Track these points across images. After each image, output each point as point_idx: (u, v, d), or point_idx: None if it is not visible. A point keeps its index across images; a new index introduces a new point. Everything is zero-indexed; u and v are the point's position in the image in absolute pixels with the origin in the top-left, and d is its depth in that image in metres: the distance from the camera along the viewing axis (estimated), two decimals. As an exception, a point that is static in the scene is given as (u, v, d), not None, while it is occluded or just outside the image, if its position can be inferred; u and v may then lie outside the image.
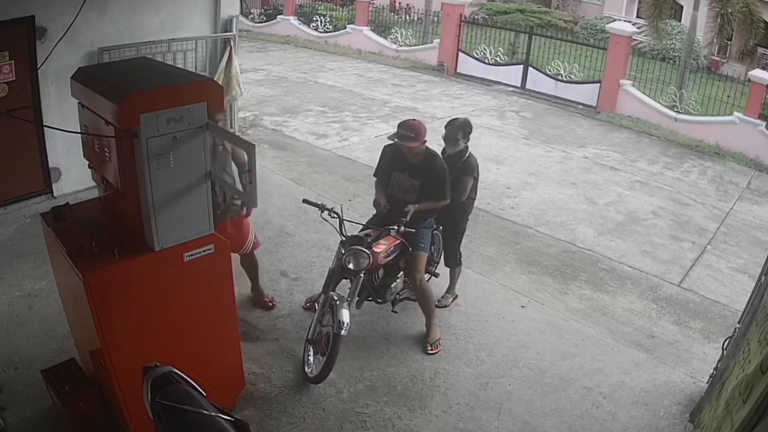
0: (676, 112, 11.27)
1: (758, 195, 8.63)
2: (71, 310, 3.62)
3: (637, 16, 21.19)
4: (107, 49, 6.10)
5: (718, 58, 18.70)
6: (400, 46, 15.31)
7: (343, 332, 3.88)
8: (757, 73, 10.95)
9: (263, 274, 4.98)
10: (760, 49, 18.15)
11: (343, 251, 4.17)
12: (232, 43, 7.11)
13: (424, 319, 4.61)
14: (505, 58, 13.86)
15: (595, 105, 12.07)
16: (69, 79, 3.14)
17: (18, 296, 4.73)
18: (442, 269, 5.11)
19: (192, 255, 3.14)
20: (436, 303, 4.82)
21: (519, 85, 13.12)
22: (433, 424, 3.90)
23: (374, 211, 4.67)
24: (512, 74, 13.24)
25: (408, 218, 4.26)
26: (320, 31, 16.58)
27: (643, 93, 11.86)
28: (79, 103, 3.16)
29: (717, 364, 4.04)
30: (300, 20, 17.11)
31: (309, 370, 4.10)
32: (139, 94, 2.78)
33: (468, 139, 4.68)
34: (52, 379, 3.54)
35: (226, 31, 7.20)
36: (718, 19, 14.02)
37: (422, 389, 4.18)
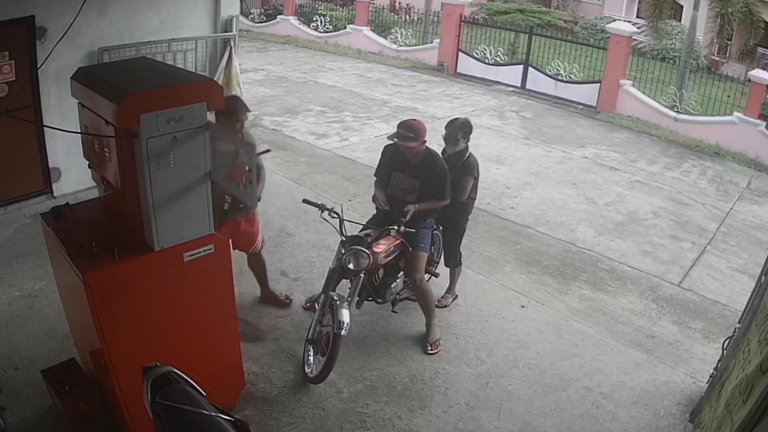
0: (676, 112, 11.27)
1: (758, 195, 8.63)
2: (71, 310, 3.62)
3: (637, 16, 21.20)
4: (107, 49, 6.10)
5: (718, 58, 18.70)
6: (400, 46, 15.31)
7: (343, 332, 3.88)
8: (757, 73, 10.96)
9: (264, 274, 4.99)
10: (760, 49, 18.14)
11: (343, 251, 4.17)
12: (232, 43, 7.11)
13: (424, 319, 4.61)
14: (505, 58, 13.86)
15: (595, 105, 12.07)
16: (69, 79, 3.14)
17: (18, 296, 4.73)
18: (442, 269, 5.11)
19: (192, 255, 3.14)
20: (436, 303, 4.82)
21: (519, 85, 13.12)
22: (433, 424, 3.90)
23: (374, 212, 4.67)
24: (512, 74, 13.24)
25: (408, 218, 4.26)
26: (320, 31, 16.59)
27: (643, 93, 11.86)
28: (79, 103, 3.16)
29: (717, 364, 4.03)
30: (300, 20, 17.11)
31: (309, 370, 4.10)
32: (139, 94, 2.78)
33: (468, 139, 4.68)
34: (52, 379, 3.54)
35: (226, 31, 7.20)
36: (718, 19, 14.02)
37: (422, 389, 4.18)
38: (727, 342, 3.95)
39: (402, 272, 4.61)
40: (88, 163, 3.34)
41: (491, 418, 3.98)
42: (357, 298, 4.31)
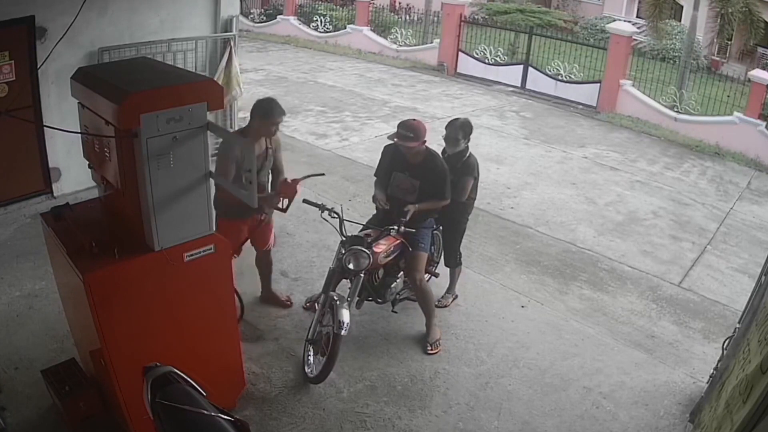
0: (676, 112, 11.27)
1: (758, 195, 8.63)
2: (71, 310, 3.62)
3: (637, 16, 21.20)
4: (107, 49, 6.10)
5: (718, 58, 18.70)
6: (400, 46, 15.31)
7: (343, 332, 3.87)
8: (757, 73, 10.96)
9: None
10: (760, 49, 18.14)
11: (343, 251, 4.17)
12: (232, 43, 7.11)
13: (424, 319, 4.61)
14: (505, 58, 13.86)
15: (595, 105, 12.07)
16: (69, 79, 3.14)
17: (18, 296, 4.73)
18: (442, 269, 5.11)
19: (192, 255, 3.14)
20: (436, 303, 4.82)
21: (519, 85, 13.12)
22: (433, 424, 3.90)
23: (374, 211, 4.67)
24: (512, 74, 13.24)
25: (408, 218, 4.26)
26: (320, 31, 16.58)
27: (643, 93, 11.86)
28: (79, 103, 3.16)
29: (717, 364, 4.04)
30: (300, 20, 17.11)
31: (309, 370, 4.10)
32: (139, 94, 2.78)
33: (468, 140, 4.68)
34: (52, 379, 3.54)
35: (226, 31, 7.20)
36: (718, 19, 14.02)
37: (422, 389, 4.18)
38: (727, 342, 3.95)
39: (402, 272, 4.61)
40: (88, 163, 3.33)
41: (491, 418, 3.98)
42: (357, 298, 4.31)
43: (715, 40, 16.55)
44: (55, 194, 6.22)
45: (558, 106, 12.24)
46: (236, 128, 7.84)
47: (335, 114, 10.38)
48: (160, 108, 2.81)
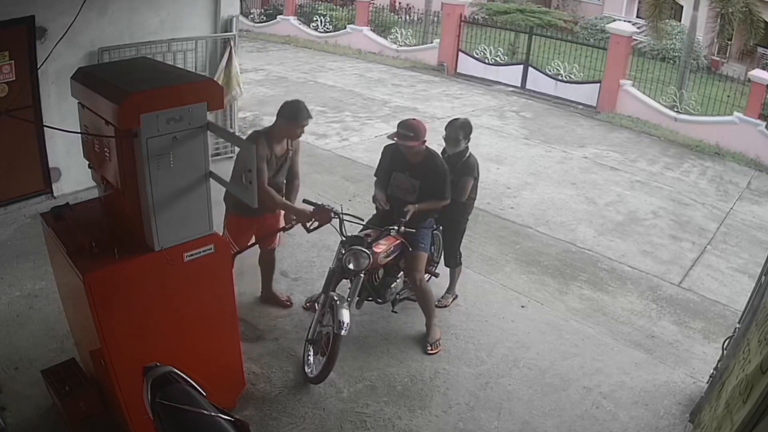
0: (676, 112, 11.27)
1: (758, 195, 8.63)
2: (71, 310, 3.62)
3: (637, 16, 21.20)
4: (107, 49, 6.10)
5: (718, 58, 18.70)
6: (400, 46, 15.31)
7: (343, 332, 3.87)
8: (757, 73, 10.96)
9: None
10: (760, 49, 18.14)
11: (343, 251, 4.17)
12: (232, 43, 7.11)
13: (424, 319, 4.61)
14: (505, 58, 13.86)
15: (595, 105, 12.07)
16: (69, 79, 3.14)
17: (18, 296, 4.73)
18: (442, 269, 5.11)
19: (192, 255, 3.14)
20: (436, 303, 4.82)
21: (519, 85, 13.12)
22: (433, 424, 3.90)
23: (374, 211, 4.67)
24: (512, 74, 13.24)
25: (408, 218, 4.26)
26: (320, 31, 16.58)
27: (643, 93, 11.86)
28: (79, 103, 3.16)
29: (717, 364, 4.04)
30: (300, 20, 17.11)
31: (309, 370, 4.10)
32: (139, 94, 2.78)
33: (468, 140, 4.68)
34: (52, 379, 3.54)
35: (226, 31, 7.20)
36: (719, 19, 14.05)
37: (422, 389, 4.18)
38: (727, 342, 3.95)
39: (402, 272, 4.61)
40: (88, 163, 3.33)
41: (491, 418, 3.98)
42: (357, 298, 4.30)
43: (715, 40, 16.57)
44: (55, 194, 6.22)
45: (558, 106, 12.24)
46: (236, 128, 7.86)
47: (335, 114, 10.38)
48: (160, 108, 2.81)
